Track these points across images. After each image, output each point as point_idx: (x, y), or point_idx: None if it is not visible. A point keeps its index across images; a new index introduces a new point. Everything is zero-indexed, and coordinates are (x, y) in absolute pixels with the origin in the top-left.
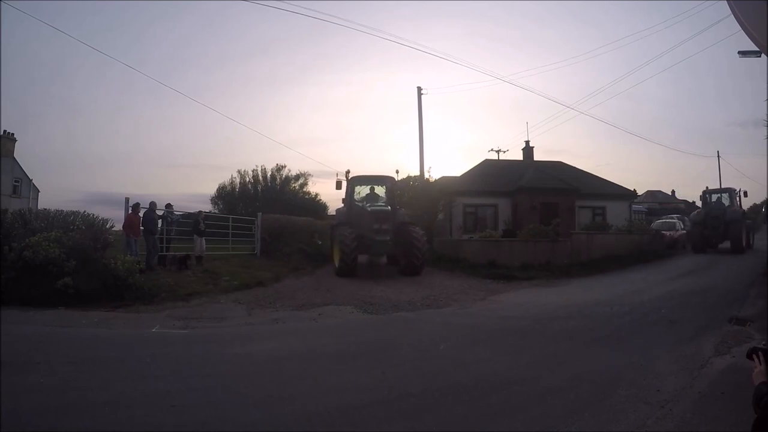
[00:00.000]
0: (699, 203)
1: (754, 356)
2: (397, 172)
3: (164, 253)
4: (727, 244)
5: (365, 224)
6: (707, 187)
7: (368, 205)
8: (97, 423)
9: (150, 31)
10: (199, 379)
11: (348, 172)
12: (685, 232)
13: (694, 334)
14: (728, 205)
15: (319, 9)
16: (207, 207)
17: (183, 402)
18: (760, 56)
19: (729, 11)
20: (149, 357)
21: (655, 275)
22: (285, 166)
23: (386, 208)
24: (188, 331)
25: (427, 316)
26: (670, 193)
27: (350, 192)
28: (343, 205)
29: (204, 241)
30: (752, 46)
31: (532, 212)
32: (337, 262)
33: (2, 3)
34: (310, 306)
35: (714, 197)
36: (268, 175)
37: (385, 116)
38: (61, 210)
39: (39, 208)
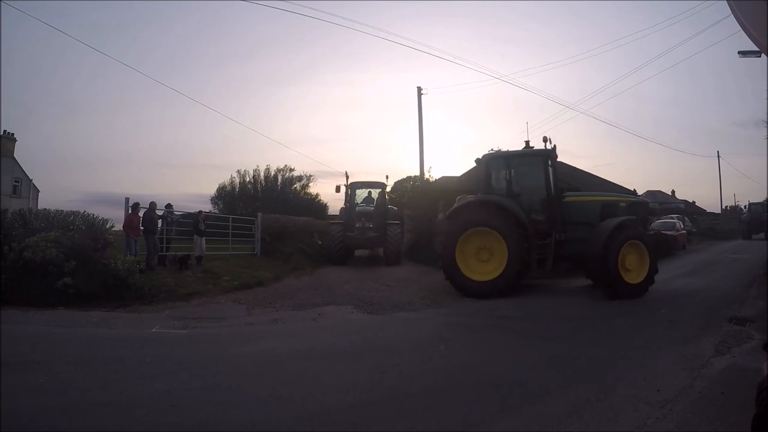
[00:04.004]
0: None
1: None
2: (387, 177)
3: (164, 253)
4: (761, 235)
5: (354, 221)
6: (749, 201)
7: (357, 205)
8: (97, 423)
9: (150, 31)
10: (199, 379)
11: (347, 174)
12: (685, 232)
13: (694, 334)
14: (763, 211)
15: (319, 9)
16: (207, 207)
17: (183, 402)
18: (760, 56)
19: (729, 11)
20: (149, 357)
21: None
22: (294, 170)
23: (369, 208)
24: (188, 331)
25: (427, 316)
26: (670, 193)
27: (352, 195)
28: (344, 206)
29: (204, 241)
30: (752, 46)
31: None
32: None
33: (2, 3)
34: (310, 306)
35: (754, 207)
36: (272, 174)
37: (386, 116)
38: (61, 210)
39: (39, 208)
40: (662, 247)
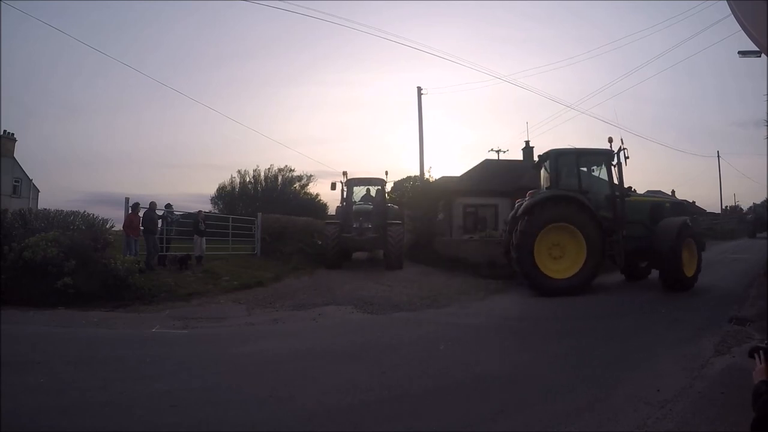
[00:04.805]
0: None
1: (756, 355)
2: (387, 173)
3: (164, 253)
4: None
5: (351, 221)
6: (754, 203)
7: (354, 204)
8: (97, 423)
9: (150, 31)
10: (199, 379)
11: (345, 173)
12: None
13: (694, 334)
14: (764, 211)
15: (319, 9)
16: (207, 207)
17: (183, 402)
18: (760, 56)
19: (729, 11)
20: (149, 357)
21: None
22: (293, 170)
23: (367, 206)
24: (188, 331)
25: (427, 316)
26: (670, 193)
27: (349, 192)
28: (340, 204)
29: (204, 241)
30: (752, 46)
31: None
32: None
33: (2, 3)
34: (310, 306)
35: (758, 208)
36: (272, 174)
37: (385, 116)
38: (61, 210)
39: (39, 208)
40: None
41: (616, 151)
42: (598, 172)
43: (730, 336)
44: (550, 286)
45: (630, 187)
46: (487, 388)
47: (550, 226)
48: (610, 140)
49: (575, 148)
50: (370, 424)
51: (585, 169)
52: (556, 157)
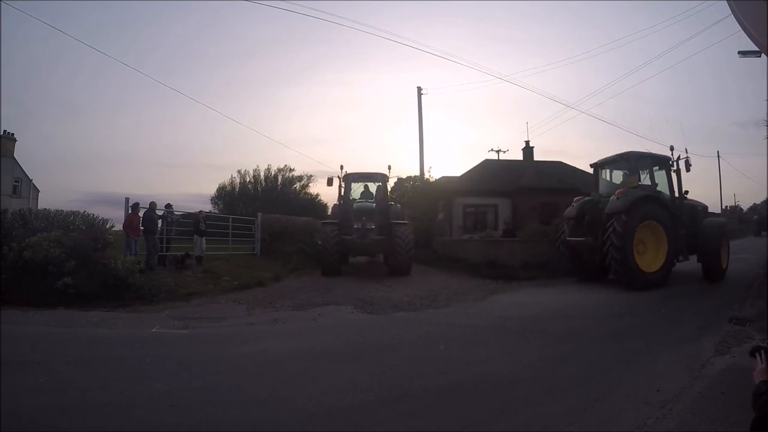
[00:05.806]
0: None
1: (757, 354)
2: (390, 168)
3: (164, 253)
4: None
5: (351, 221)
6: (755, 203)
7: (354, 201)
8: (97, 423)
9: (150, 31)
10: (199, 379)
11: (342, 167)
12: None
13: (694, 334)
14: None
15: (319, 9)
16: (207, 207)
17: (183, 402)
18: (760, 56)
19: (729, 11)
20: (149, 357)
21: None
22: (293, 170)
23: (370, 204)
24: (188, 331)
25: (427, 316)
26: None
27: (347, 189)
28: (338, 202)
29: (204, 241)
30: (752, 46)
31: (532, 212)
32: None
33: (2, 3)
34: (310, 306)
35: (762, 209)
36: (272, 174)
37: (385, 116)
38: (61, 210)
39: (39, 208)
40: None
41: (675, 159)
42: (664, 174)
43: (730, 336)
44: (644, 279)
45: (686, 191)
46: (487, 388)
47: (643, 224)
48: (672, 148)
49: (649, 152)
50: (370, 424)
51: (657, 171)
52: (636, 159)
